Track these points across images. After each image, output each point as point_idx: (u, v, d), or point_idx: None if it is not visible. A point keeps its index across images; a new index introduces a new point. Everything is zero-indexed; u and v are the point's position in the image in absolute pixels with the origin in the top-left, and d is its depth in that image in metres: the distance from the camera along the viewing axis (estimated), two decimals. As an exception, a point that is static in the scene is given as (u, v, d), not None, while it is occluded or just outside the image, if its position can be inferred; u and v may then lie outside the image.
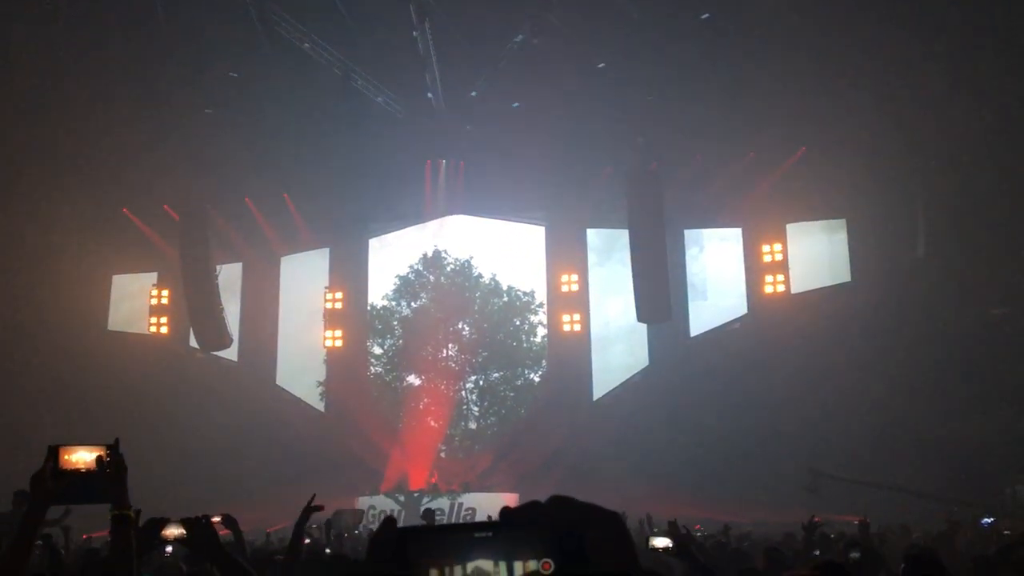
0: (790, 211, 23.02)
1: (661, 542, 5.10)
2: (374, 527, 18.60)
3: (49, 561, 5.53)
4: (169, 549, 6.13)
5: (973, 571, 5.92)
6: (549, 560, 0.94)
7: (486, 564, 0.94)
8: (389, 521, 0.98)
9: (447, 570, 0.94)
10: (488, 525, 0.98)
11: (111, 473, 2.58)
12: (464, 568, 0.94)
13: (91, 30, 18.34)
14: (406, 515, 20.78)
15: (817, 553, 7.13)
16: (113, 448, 2.64)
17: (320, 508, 5.28)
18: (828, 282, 22.92)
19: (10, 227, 20.82)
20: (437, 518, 17.39)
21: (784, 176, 22.05)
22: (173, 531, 3.40)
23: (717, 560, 6.54)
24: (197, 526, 3.39)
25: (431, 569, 0.94)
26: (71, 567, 5.97)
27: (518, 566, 0.94)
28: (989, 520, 13.06)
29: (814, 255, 23.38)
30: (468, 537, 0.96)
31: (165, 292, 25.05)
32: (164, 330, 25.08)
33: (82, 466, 2.59)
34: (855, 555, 6.10)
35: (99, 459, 2.60)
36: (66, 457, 2.62)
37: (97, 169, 21.11)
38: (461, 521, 20.79)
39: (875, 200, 21.10)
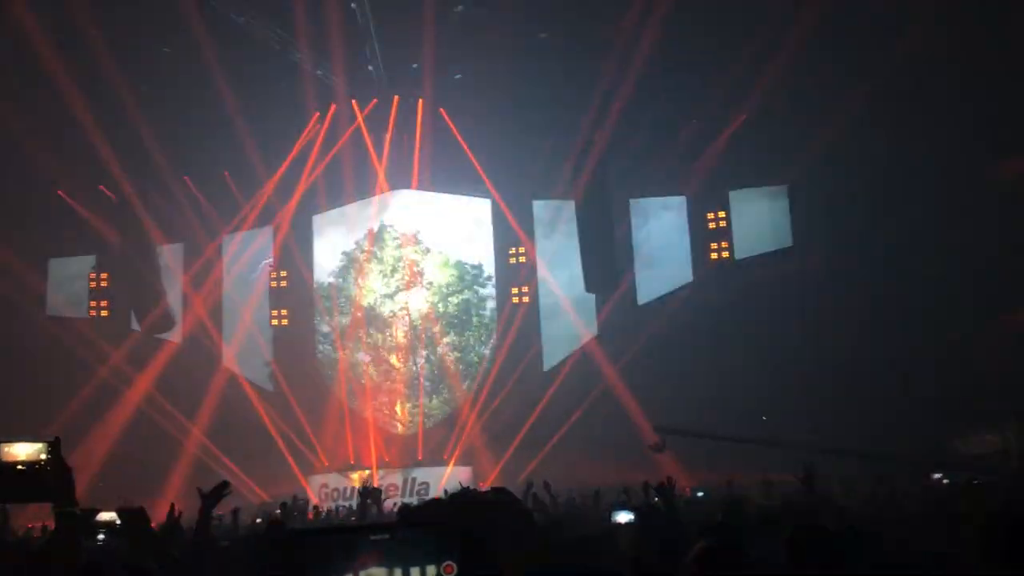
0: (733, 178, 23.26)
1: (624, 516, 4.86)
2: (330, 504, 18.53)
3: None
4: (101, 537, 6.02)
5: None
6: (452, 563, 0.87)
7: (379, 572, 0.86)
8: (275, 525, 0.91)
9: None
10: (385, 527, 0.90)
11: (53, 471, 2.52)
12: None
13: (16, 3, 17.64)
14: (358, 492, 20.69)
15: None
16: (54, 446, 2.56)
17: (228, 492, 5.08)
18: (771, 247, 23.27)
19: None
20: (389, 495, 17.36)
21: (726, 144, 22.23)
22: (105, 516, 3.34)
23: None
24: (129, 514, 3.34)
25: None
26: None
27: (415, 572, 0.86)
28: (939, 475, 13.45)
29: (757, 221, 23.70)
30: (363, 539, 0.88)
31: (104, 275, 24.45)
32: (104, 313, 24.50)
33: (21, 462, 2.52)
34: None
35: (39, 456, 2.53)
36: (6, 450, 2.54)
37: (28, 150, 20.38)
38: (414, 497, 20.85)
39: (814, 165, 21.37)
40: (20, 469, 2.56)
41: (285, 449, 22.74)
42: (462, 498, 0.90)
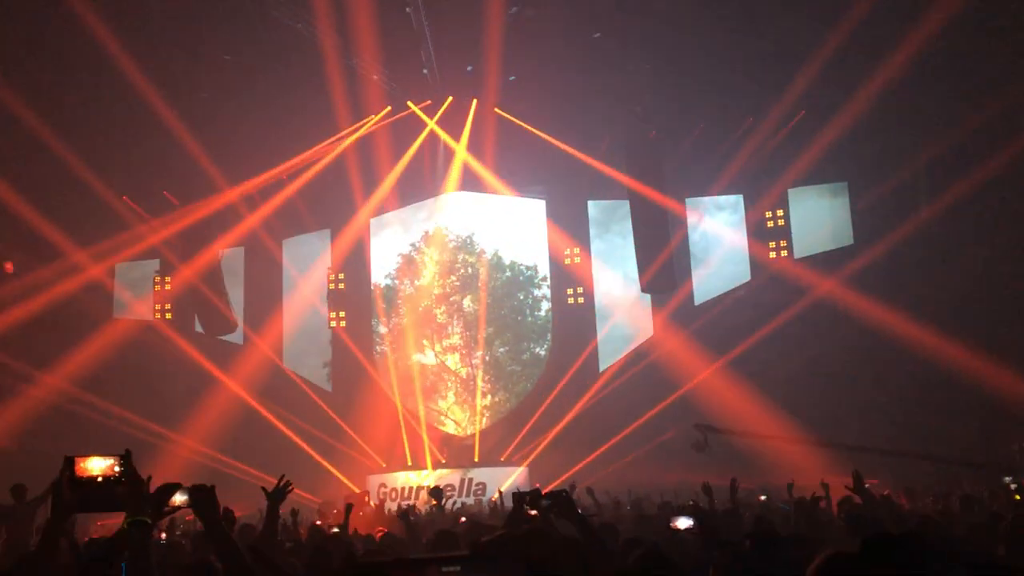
0: (791, 176, 22.90)
1: (684, 523, 4.74)
2: (396, 504, 18.73)
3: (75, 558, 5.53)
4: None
5: None
6: None
7: None
8: (349, 555, 0.91)
9: None
10: (456, 559, 0.89)
11: (126, 483, 2.68)
12: None
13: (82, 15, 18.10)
14: (416, 491, 20.93)
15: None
16: (125, 459, 2.74)
17: (290, 489, 5.25)
18: (831, 246, 22.87)
19: (13, 224, 20.65)
20: (447, 495, 17.49)
21: (783, 141, 21.90)
22: (178, 498, 3.46)
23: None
24: (201, 492, 3.45)
25: None
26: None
27: None
28: (1009, 479, 13.12)
29: (816, 219, 23.32)
30: (434, 572, 0.87)
31: (168, 278, 25.03)
32: (168, 316, 25.08)
33: (97, 475, 2.69)
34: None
35: (114, 469, 2.71)
36: (81, 466, 2.72)
37: (95, 158, 20.92)
38: (471, 497, 20.95)
39: (876, 161, 20.95)
40: (99, 482, 2.73)
41: (344, 450, 23.03)
42: (532, 534, 0.88)
